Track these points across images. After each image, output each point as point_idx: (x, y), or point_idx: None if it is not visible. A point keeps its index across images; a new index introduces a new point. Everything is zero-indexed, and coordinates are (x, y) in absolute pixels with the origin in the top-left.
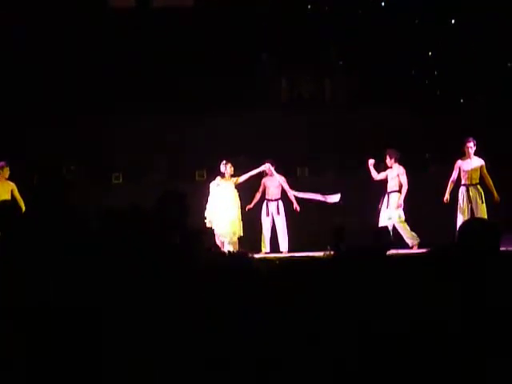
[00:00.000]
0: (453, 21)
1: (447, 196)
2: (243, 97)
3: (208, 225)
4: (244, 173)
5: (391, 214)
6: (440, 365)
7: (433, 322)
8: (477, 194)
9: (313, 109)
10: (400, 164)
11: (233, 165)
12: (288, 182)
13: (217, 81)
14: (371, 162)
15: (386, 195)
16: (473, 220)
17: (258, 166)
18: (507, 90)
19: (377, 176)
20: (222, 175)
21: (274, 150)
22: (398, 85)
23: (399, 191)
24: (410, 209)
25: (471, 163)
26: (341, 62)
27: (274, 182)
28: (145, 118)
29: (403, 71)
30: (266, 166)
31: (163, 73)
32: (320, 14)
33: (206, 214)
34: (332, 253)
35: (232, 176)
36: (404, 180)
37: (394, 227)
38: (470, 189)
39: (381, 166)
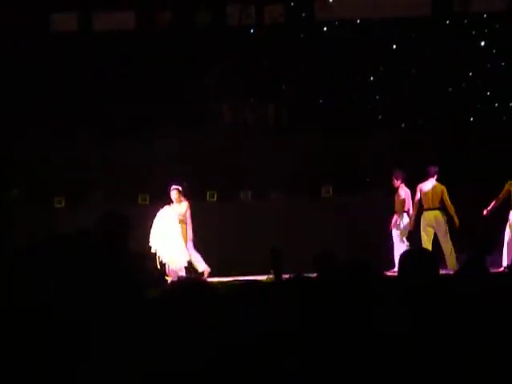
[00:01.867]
0: (394, 46)
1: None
2: (186, 121)
3: (153, 251)
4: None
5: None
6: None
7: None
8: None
9: (256, 133)
10: (406, 185)
11: (180, 191)
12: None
13: (161, 105)
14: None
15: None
16: (412, 250)
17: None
18: (448, 114)
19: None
20: (171, 201)
21: (218, 173)
22: (341, 110)
23: (405, 212)
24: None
25: (427, 187)
26: (284, 87)
27: None
28: (87, 142)
29: (346, 96)
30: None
31: (104, 96)
32: (262, 40)
33: (151, 242)
34: (273, 277)
35: (178, 201)
36: (405, 201)
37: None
38: (425, 213)
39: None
